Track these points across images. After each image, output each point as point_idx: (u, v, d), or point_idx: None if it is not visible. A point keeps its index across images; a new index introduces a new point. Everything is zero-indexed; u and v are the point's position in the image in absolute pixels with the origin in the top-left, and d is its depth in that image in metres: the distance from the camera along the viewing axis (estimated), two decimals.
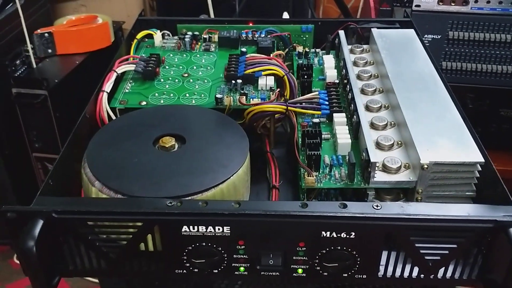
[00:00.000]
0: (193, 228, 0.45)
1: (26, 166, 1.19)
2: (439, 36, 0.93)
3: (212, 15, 1.25)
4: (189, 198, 0.48)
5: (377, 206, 0.45)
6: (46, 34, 1.18)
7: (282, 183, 0.61)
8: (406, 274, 0.47)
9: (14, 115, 1.12)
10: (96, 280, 1.15)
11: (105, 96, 0.62)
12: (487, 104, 0.99)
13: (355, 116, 0.59)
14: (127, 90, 0.67)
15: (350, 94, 0.63)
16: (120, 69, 0.67)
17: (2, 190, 1.17)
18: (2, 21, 1.12)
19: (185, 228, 0.45)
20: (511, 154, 1.04)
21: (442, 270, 0.47)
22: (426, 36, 0.93)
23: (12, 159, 1.16)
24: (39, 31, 1.18)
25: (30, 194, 1.22)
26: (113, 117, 0.63)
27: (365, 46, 0.74)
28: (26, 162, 1.18)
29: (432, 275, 0.47)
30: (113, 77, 0.65)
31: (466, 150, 0.51)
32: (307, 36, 0.80)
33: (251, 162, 0.57)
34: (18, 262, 1.25)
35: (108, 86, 0.64)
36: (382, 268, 0.48)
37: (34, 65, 1.16)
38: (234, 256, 0.47)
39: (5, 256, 1.29)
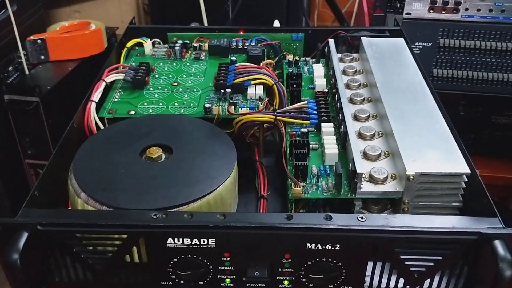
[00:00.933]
0: (178, 241, 0.45)
1: (19, 173, 1.18)
2: (430, 44, 0.93)
3: (205, 22, 1.25)
4: (175, 210, 0.48)
5: (361, 218, 0.45)
6: (39, 41, 1.18)
7: (271, 193, 0.61)
8: (392, 285, 0.47)
9: (7, 122, 1.11)
10: None
11: (93, 106, 0.62)
12: (479, 111, 0.99)
13: (342, 126, 0.59)
14: (116, 99, 0.67)
15: (338, 103, 0.63)
16: (109, 78, 0.67)
17: None
18: None
19: (170, 240, 0.45)
20: (504, 161, 1.04)
21: (428, 282, 0.47)
22: (417, 43, 0.93)
23: (4, 166, 1.15)
24: (32, 37, 1.17)
25: (23, 201, 1.22)
26: (102, 127, 0.63)
27: (355, 55, 0.75)
28: (19, 169, 1.18)
29: (418, 287, 0.47)
30: (101, 86, 0.65)
31: (452, 161, 0.51)
32: (297, 44, 0.80)
33: (240, 171, 0.57)
34: None
35: (96, 95, 0.64)
36: (368, 279, 0.48)
37: (27, 72, 1.16)
38: (220, 268, 0.47)
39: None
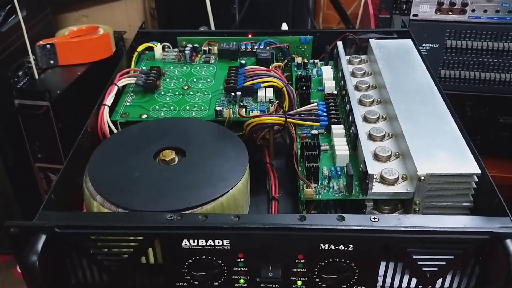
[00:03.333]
0: (193, 242, 0.46)
1: (29, 177, 1.20)
2: (437, 45, 0.93)
3: (212, 25, 1.26)
4: (189, 211, 0.49)
5: (374, 218, 0.46)
6: (48, 45, 1.20)
7: (281, 194, 0.62)
8: (404, 285, 0.48)
9: (17, 126, 1.13)
10: None
11: (106, 110, 0.63)
12: (486, 112, 0.99)
13: (353, 128, 0.59)
14: (128, 103, 0.68)
15: (348, 105, 0.63)
16: (121, 82, 0.68)
17: (6, 200, 1.18)
18: (5, 33, 1.13)
19: (185, 241, 0.46)
20: (511, 161, 1.05)
21: (440, 281, 0.47)
22: (424, 45, 0.94)
23: (15, 170, 1.17)
24: (41, 42, 1.19)
25: (33, 204, 1.23)
26: (114, 130, 0.64)
27: (363, 57, 0.75)
28: (29, 173, 1.19)
29: (430, 286, 0.47)
30: (114, 90, 0.66)
31: (463, 161, 0.52)
32: (305, 47, 0.81)
33: (251, 173, 0.58)
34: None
35: (109, 99, 0.65)
36: (380, 279, 0.48)
37: (37, 76, 1.18)
38: (234, 268, 0.48)
39: (8, 265, 1.29)
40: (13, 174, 1.16)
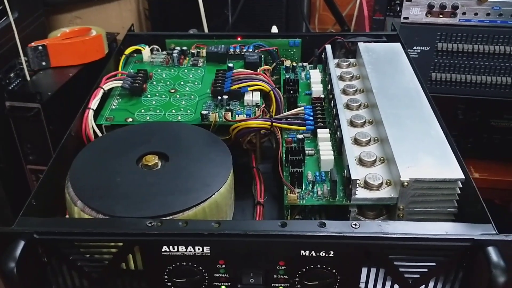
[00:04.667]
0: (173, 248, 0.46)
1: (20, 178, 1.19)
2: (428, 48, 0.93)
3: (205, 27, 1.26)
4: (170, 217, 0.48)
5: (355, 225, 0.45)
6: (40, 47, 1.19)
7: (267, 199, 0.61)
8: None
9: (8, 128, 1.12)
10: None
11: (91, 113, 0.63)
12: (478, 115, 0.99)
13: (338, 132, 0.59)
14: (114, 107, 0.67)
15: (334, 109, 0.63)
16: (107, 86, 0.68)
17: None
18: None
19: (165, 248, 0.46)
20: (503, 165, 1.04)
21: None
22: (415, 47, 0.93)
23: (6, 172, 1.16)
24: (33, 44, 1.18)
25: (24, 205, 1.21)
26: (99, 134, 0.63)
27: (351, 60, 0.75)
28: (20, 174, 1.19)
29: None
30: (99, 93, 0.66)
31: (447, 167, 0.51)
32: (294, 50, 0.81)
33: (237, 178, 0.57)
34: None
35: (94, 103, 0.64)
36: (362, 286, 0.48)
37: (28, 78, 1.17)
38: (215, 275, 0.47)
39: None
40: (4, 176, 1.16)
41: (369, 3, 1.49)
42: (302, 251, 0.45)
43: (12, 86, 1.16)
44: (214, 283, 0.48)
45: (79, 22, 1.44)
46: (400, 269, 0.46)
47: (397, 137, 0.55)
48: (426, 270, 0.46)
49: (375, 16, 1.38)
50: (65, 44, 1.22)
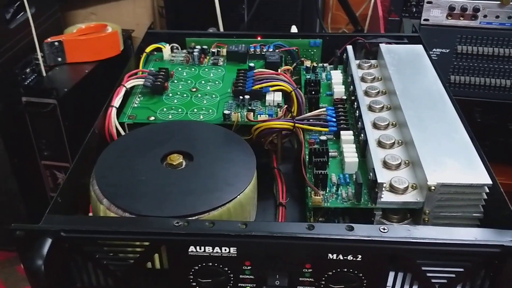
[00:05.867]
0: (200, 249, 0.45)
1: (35, 174, 1.20)
2: (447, 50, 0.92)
3: (221, 26, 1.25)
4: (196, 217, 0.48)
5: (383, 229, 0.45)
6: (56, 43, 1.19)
7: (289, 200, 0.61)
8: None
9: (24, 123, 1.13)
10: None
11: (114, 111, 0.63)
12: (495, 118, 0.98)
13: (362, 134, 0.59)
14: (135, 105, 0.67)
15: (357, 111, 0.63)
16: (129, 84, 0.68)
17: (11, 197, 1.18)
18: (13, 30, 1.13)
19: (191, 248, 0.45)
20: None
21: None
22: (434, 50, 0.93)
23: (21, 167, 1.17)
24: (49, 39, 1.19)
25: (38, 201, 1.23)
26: (122, 132, 0.63)
27: (373, 62, 0.74)
28: (35, 170, 1.19)
29: None
30: (122, 91, 0.66)
31: (474, 172, 0.51)
32: (315, 50, 0.80)
33: (258, 178, 0.57)
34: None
35: (117, 101, 0.64)
36: None
37: (44, 74, 1.17)
38: (240, 276, 0.47)
39: (12, 262, 1.29)
40: (19, 171, 1.16)
41: (383, 4, 1.49)
42: (330, 255, 0.45)
43: (28, 81, 1.16)
44: (239, 284, 0.48)
45: (93, 18, 1.45)
46: (428, 274, 0.45)
47: (422, 140, 0.55)
48: (453, 275, 0.45)
49: (391, 17, 1.37)
50: (81, 40, 1.22)
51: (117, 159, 0.55)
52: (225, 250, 0.45)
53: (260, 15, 1.35)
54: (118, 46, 1.27)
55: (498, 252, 0.44)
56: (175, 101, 0.68)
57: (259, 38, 0.81)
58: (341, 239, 0.44)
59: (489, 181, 0.50)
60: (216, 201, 0.50)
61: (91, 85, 1.18)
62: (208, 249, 0.45)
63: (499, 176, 0.51)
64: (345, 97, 0.68)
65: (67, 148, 1.14)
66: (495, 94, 0.95)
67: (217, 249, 0.45)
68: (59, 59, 1.21)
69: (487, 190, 0.50)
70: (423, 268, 0.45)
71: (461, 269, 0.45)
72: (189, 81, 0.73)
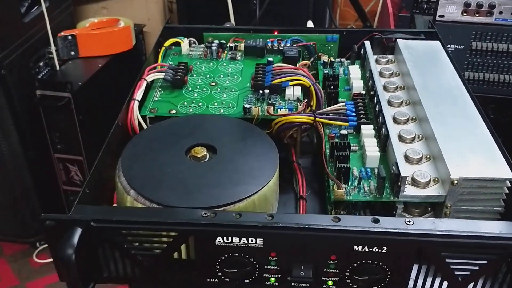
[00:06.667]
0: (227, 239, 0.46)
1: (48, 167, 1.21)
2: (462, 47, 0.93)
3: (232, 20, 1.26)
4: (222, 209, 0.49)
5: (409, 221, 0.46)
6: (70, 37, 1.20)
7: (309, 194, 0.62)
8: None
9: (38, 117, 1.14)
10: (120, 286, 1.17)
11: (136, 104, 0.64)
12: (509, 115, 0.99)
13: (383, 129, 0.59)
14: (156, 98, 0.68)
15: (377, 106, 0.63)
16: (149, 77, 0.68)
17: (25, 189, 1.19)
18: (28, 24, 1.14)
19: (219, 238, 0.46)
20: None
21: (471, 286, 0.47)
22: (449, 46, 0.93)
23: (35, 160, 1.18)
24: (62, 33, 1.20)
25: (51, 194, 1.24)
26: (144, 125, 0.64)
27: (390, 57, 0.75)
28: (48, 163, 1.20)
29: None
30: (143, 85, 0.66)
31: (495, 166, 0.52)
32: (332, 45, 0.81)
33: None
34: (38, 261, 1.27)
35: (139, 94, 0.65)
36: (411, 282, 0.48)
37: (58, 67, 1.18)
38: (266, 267, 0.48)
39: (25, 254, 1.31)
40: (32, 164, 1.17)
41: (392, 0, 1.49)
42: (355, 246, 0.46)
43: (42, 75, 1.17)
44: (264, 275, 0.49)
45: (105, 13, 1.45)
46: (451, 266, 0.46)
47: (444, 135, 0.56)
48: (477, 268, 0.46)
49: (401, 13, 1.37)
50: (94, 35, 1.23)
51: (142, 151, 0.56)
52: (252, 241, 0.46)
53: (270, 12, 1.35)
54: (131, 41, 1.28)
55: None
56: (195, 95, 0.69)
57: (276, 33, 0.81)
58: (367, 231, 0.45)
59: (511, 175, 0.50)
60: (241, 193, 0.51)
61: (104, 79, 1.19)
62: (235, 239, 0.46)
63: None
64: (363, 92, 0.69)
65: (81, 142, 1.15)
66: (509, 91, 0.96)
67: (243, 239, 0.46)
68: (72, 53, 1.22)
69: (509, 184, 0.51)
70: (447, 261, 0.46)
71: (485, 262, 0.46)
72: (208, 75, 0.74)
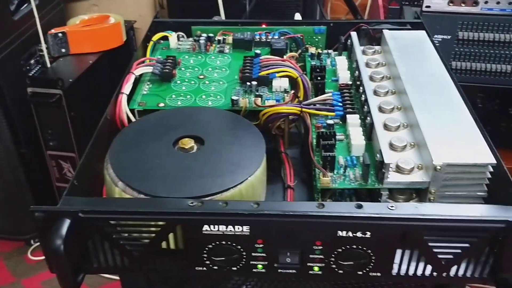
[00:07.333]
0: (214, 228, 0.47)
1: (41, 164, 1.21)
2: (449, 37, 0.94)
3: (222, 15, 1.26)
4: (209, 198, 0.50)
5: (392, 206, 0.46)
6: (60, 34, 1.20)
7: (296, 183, 0.62)
8: (419, 272, 0.49)
9: (30, 114, 1.14)
10: (108, 276, 1.18)
11: (124, 98, 0.64)
12: (497, 104, 1.00)
13: (368, 118, 0.60)
14: (145, 92, 0.68)
15: (363, 95, 0.64)
16: (138, 71, 0.69)
17: (19, 186, 1.20)
18: (18, 22, 1.14)
19: (206, 227, 0.47)
20: None
21: (454, 269, 0.48)
22: (436, 36, 0.94)
23: (28, 157, 1.18)
24: (53, 31, 1.20)
25: (44, 191, 1.25)
26: (132, 119, 0.64)
27: (377, 47, 0.76)
28: (41, 160, 1.21)
29: (445, 273, 0.48)
30: (131, 79, 0.67)
31: (478, 151, 0.52)
32: (319, 37, 0.81)
33: (266, 163, 0.58)
34: (33, 258, 1.27)
35: (127, 88, 0.65)
36: (396, 266, 0.49)
37: (48, 65, 1.18)
38: (253, 254, 0.49)
39: (20, 251, 1.31)
40: (26, 161, 1.18)
41: None
42: (339, 232, 0.46)
43: (33, 72, 1.17)
44: (251, 262, 0.49)
45: (96, 10, 1.45)
46: (434, 250, 0.47)
47: (428, 122, 0.56)
48: (459, 251, 0.47)
49: (391, 5, 1.38)
50: (85, 32, 1.23)
51: (130, 143, 0.57)
52: (238, 228, 0.47)
53: (261, 5, 1.36)
54: (121, 37, 1.28)
55: (503, 228, 0.45)
56: (184, 88, 0.70)
57: (264, 26, 0.82)
58: (351, 217, 0.46)
59: (493, 160, 0.51)
60: (228, 182, 0.51)
61: (95, 75, 1.19)
62: (222, 228, 0.47)
63: None
64: (350, 83, 0.70)
65: (73, 138, 1.15)
66: (497, 80, 0.97)
67: (230, 228, 0.47)
68: (63, 50, 1.22)
69: (491, 169, 0.52)
70: (430, 244, 0.47)
71: (467, 245, 0.47)
72: (196, 69, 0.74)
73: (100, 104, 0.66)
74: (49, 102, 1.09)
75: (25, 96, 1.12)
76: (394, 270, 0.49)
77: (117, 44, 1.27)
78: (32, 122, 1.15)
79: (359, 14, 1.63)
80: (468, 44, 0.94)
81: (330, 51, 0.79)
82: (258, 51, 0.75)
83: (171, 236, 0.48)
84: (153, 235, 0.48)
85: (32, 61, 1.18)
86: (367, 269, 0.49)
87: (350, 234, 0.47)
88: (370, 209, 0.46)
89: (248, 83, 0.68)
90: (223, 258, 0.49)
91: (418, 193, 0.55)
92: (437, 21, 0.93)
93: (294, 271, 0.50)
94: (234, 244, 0.48)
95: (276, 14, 1.37)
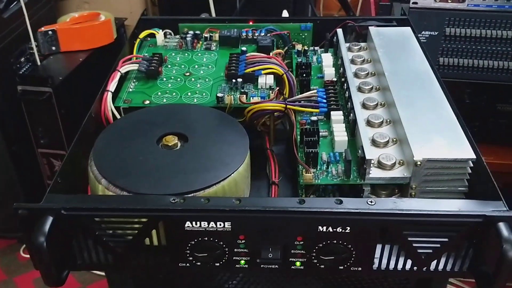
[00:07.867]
0: (196, 224, 0.47)
1: (32, 161, 1.21)
2: (436, 33, 0.94)
3: (213, 12, 1.26)
4: (192, 195, 0.50)
5: (371, 202, 0.47)
6: (50, 32, 1.20)
7: (281, 179, 0.63)
8: (399, 266, 0.49)
9: (20, 112, 1.14)
10: (100, 273, 1.18)
11: (109, 96, 0.64)
12: (484, 99, 1.00)
13: (351, 114, 0.60)
14: (130, 90, 0.69)
15: (347, 92, 0.64)
16: (124, 69, 0.69)
17: (10, 184, 1.20)
18: (7, 19, 1.14)
19: (188, 223, 0.47)
20: (508, 148, 1.06)
21: (434, 263, 0.49)
22: (423, 32, 0.94)
23: (18, 155, 1.18)
24: (43, 28, 1.19)
25: (36, 188, 1.25)
26: (118, 116, 0.65)
27: (362, 44, 0.76)
28: (32, 158, 1.21)
29: (425, 268, 0.49)
30: (117, 76, 0.67)
31: (458, 147, 0.53)
32: (306, 34, 0.82)
33: (252, 159, 0.59)
34: (25, 255, 1.28)
35: (112, 85, 0.66)
36: (376, 261, 0.50)
37: (39, 63, 1.18)
38: (235, 250, 0.49)
39: (13, 249, 1.31)
40: (16, 159, 1.18)
41: None
42: (320, 227, 0.47)
43: (23, 70, 1.17)
44: (234, 258, 0.50)
45: (87, 7, 1.45)
46: (414, 245, 0.47)
47: (410, 118, 0.57)
48: (439, 245, 0.47)
49: (382, 2, 1.38)
50: (75, 29, 1.23)
51: (114, 141, 0.57)
52: (220, 225, 0.47)
53: (252, 2, 1.36)
54: (112, 34, 1.28)
55: (481, 222, 0.46)
56: (169, 85, 0.70)
57: (251, 23, 0.82)
58: (330, 212, 0.46)
59: (473, 156, 0.52)
60: (211, 179, 0.52)
61: (85, 73, 1.19)
62: (204, 224, 0.47)
63: (487, 156, 0.53)
64: (335, 79, 0.70)
65: (63, 136, 1.16)
66: (484, 76, 0.97)
67: (212, 224, 0.47)
68: (53, 48, 1.21)
69: (471, 165, 0.52)
70: (409, 239, 0.47)
71: (446, 239, 0.47)
72: (183, 66, 0.74)
73: (90, 101, 0.66)
74: (39, 100, 1.09)
75: (15, 94, 1.12)
76: (375, 265, 0.50)
77: (107, 41, 1.27)
78: (23, 120, 1.15)
79: (351, 10, 1.63)
80: (456, 40, 0.95)
81: (316, 48, 0.79)
82: (244, 48, 0.75)
83: (154, 232, 0.48)
84: (136, 231, 0.48)
85: (22, 59, 1.18)
86: (348, 263, 0.49)
87: (330, 229, 0.47)
88: (350, 204, 0.47)
89: (234, 80, 0.68)
90: (205, 254, 0.49)
91: (400, 188, 0.56)
92: (424, 17, 0.93)
93: (276, 266, 0.50)
94: (216, 240, 0.49)
95: (267, 11, 1.37)
